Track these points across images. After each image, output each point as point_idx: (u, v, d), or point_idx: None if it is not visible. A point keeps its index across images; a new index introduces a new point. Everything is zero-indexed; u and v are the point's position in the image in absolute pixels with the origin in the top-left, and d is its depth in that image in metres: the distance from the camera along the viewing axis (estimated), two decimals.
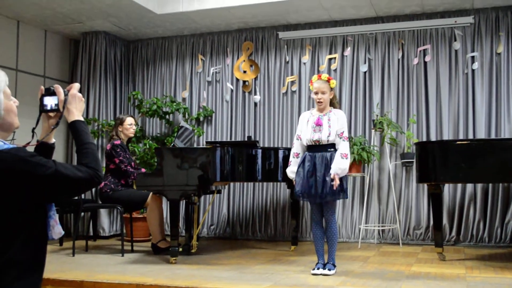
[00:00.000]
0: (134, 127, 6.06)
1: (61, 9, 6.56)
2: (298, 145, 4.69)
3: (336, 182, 4.34)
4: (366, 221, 6.68)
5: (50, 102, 1.95)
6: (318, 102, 4.57)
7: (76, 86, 2.01)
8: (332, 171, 4.38)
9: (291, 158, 4.72)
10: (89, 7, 6.51)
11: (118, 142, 5.81)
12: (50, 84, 7.42)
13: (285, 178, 5.54)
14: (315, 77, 4.66)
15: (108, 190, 5.71)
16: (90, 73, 7.51)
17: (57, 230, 1.86)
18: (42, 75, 7.33)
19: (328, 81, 4.59)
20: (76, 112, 1.97)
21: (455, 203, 6.41)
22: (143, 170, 6.01)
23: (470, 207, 6.33)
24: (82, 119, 1.98)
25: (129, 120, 5.97)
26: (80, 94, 2.01)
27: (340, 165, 4.38)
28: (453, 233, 6.37)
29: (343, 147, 4.45)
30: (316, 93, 4.57)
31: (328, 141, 4.49)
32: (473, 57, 6.48)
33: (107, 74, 7.60)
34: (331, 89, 4.62)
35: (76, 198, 7.06)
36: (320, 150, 4.51)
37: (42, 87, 1.97)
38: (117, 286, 4.10)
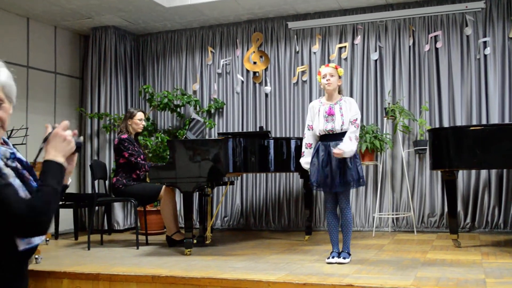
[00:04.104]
0: (144, 123, 6.06)
1: (70, 4, 6.59)
2: (310, 135, 4.65)
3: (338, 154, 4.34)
4: (380, 209, 6.66)
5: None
6: (327, 84, 4.51)
7: (63, 124, 1.82)
8: (340, 147, 4.36)
9: (303, 149, 4.67)
10: (98, 2, 6.52)
11: (125, 136, 5.79)
12: (61, 79, 7.51)
13: (298, 168, 5.53)
14: (322, 66, 4.65)
15: (121, 186, 5.72)
16: (101, 68, 7.55)
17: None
18: (53, 71, 7.36)
19: (335, 68, 4.58)
20: (53, 152, 1.76)
21: (469, 189, 6.37)
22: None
23: (485, 193, 6.29)
24: (58, 160, 1.75)
25: (139, 115, 5.96)
26: (65, 134, 1.79)
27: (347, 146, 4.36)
28: (468, 219, 6.33)
29: (351, 130, 4.42)
30: (325, 76, 4.54)
31: (341, 129, 4.46)
32: (485, 42, 6.41)
33: (118, 68, 7.63)
34: (339, 77, 4.60)
35: (89, 192, 7.13)
36: (333, 139, 4.47)
37: (48, 125, 1.84)
38: (133, 278, 4.12)
